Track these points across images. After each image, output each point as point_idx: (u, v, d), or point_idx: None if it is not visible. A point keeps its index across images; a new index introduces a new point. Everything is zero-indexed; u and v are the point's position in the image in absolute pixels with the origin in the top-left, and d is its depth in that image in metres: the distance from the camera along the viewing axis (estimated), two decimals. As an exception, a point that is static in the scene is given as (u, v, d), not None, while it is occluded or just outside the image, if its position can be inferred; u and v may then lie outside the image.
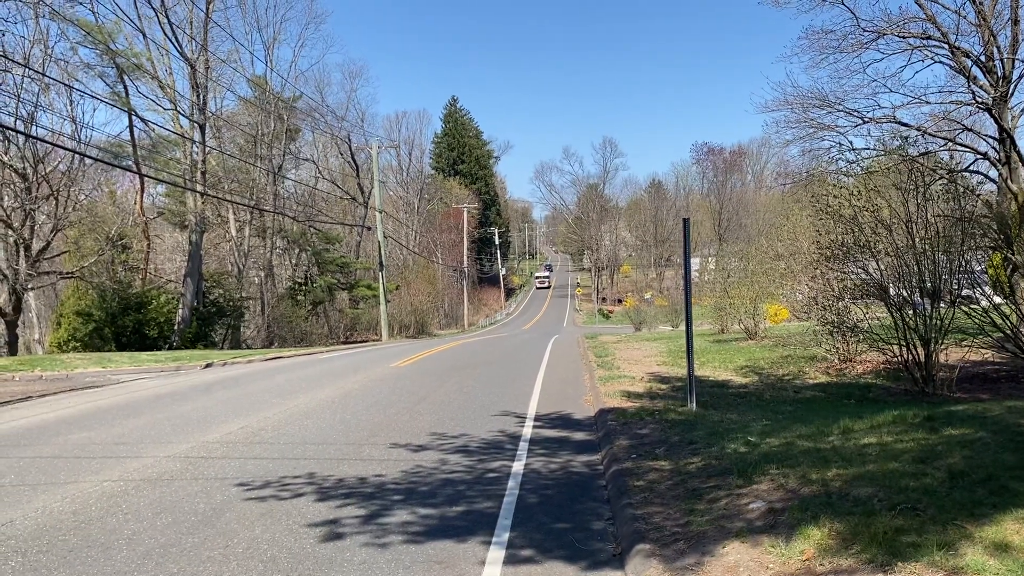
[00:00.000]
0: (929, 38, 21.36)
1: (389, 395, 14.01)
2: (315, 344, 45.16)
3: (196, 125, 37.07)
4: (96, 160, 33.97)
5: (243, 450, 9.13)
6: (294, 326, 47.49)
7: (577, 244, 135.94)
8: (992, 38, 20.50)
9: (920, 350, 11.76)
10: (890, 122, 22.22)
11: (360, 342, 49.98)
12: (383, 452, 8.92)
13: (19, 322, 34.27)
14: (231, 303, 40.44)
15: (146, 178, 37.54)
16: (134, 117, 35.57)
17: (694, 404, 10.84)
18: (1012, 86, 20.52)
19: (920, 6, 21.12)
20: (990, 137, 22.15)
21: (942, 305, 11.71)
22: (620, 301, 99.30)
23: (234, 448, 9.25)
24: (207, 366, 21.97)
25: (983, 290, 12.40)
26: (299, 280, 56.54)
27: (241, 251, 47.39)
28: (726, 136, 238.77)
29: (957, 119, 22.45)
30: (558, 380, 16.25)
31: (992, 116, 20.95)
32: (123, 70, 34.15)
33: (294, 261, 58.28)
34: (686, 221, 11.54)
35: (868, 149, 21.61)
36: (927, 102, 22.15)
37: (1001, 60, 20.52)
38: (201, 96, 37.10)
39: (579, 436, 9.98)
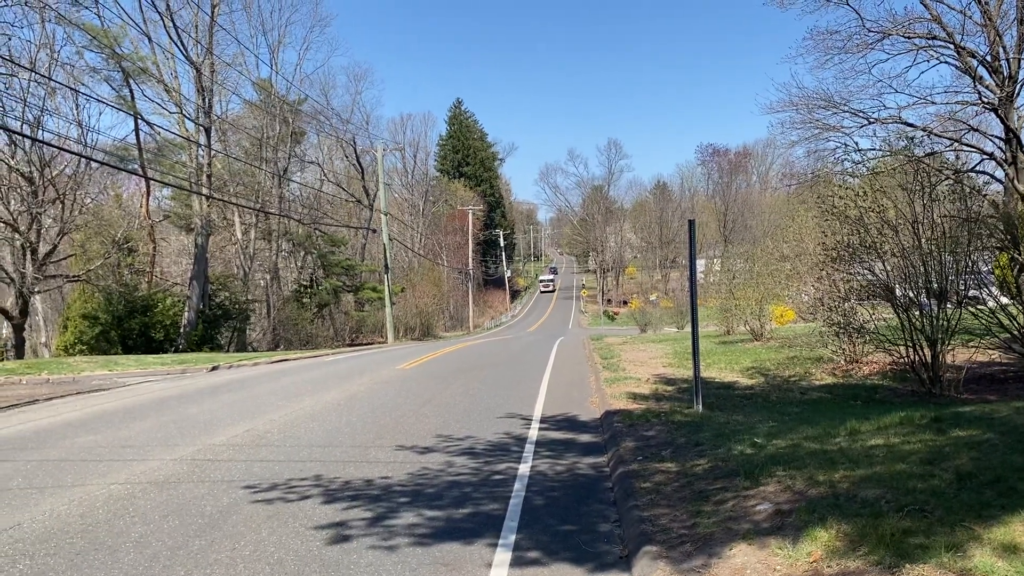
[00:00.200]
0: (934, 38, 21.33)
1: (395, 397, 14.02)
2: (321, 346, 45.21)
3: (202, 128, 37.18)
4: (102, 164, 34.04)
5: (249, 453, 9.14)
6: (300, 328, 47.56)
7: (582, 246, 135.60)
8: (998, 38, 20.44)
9: (927, 351, 11.72)
10: (896, 122, 22.20)
11: (366, 344, 50.04)
12: (389, 454, 8.92)
13: (26, 325, 34.42)
14: (237, 306, 40.53)
15: (152, 181, 37.71)
16: (140, 121, 35.80)
17: (700, 406, 10.82)
18: (1018, 86, 20.45)
19: (925, 6, 21.10)
20: (996, 137, 22.10)
21: (949, 306, 11.67)
22: (625, 303, 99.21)
23: (240, 451, 9.26)
24: (213, 369, 22.01)
25: (990, 291, 12.34)
26: (305, 283, 56.61)
27: (247, 254, 47.49)
28: (731, 137, 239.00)
29: (963, 119, 22.42)
30: (564, 382, 16.24)
31: (998, 116, 20.91)
32: (129, 74, 34.30)
33: (299, 264, 58.39)
34: (691, 223, 11.51)
35: (874, 150, 21.58)
36: (933, 102, 22.13)
37: (1007, 60, 20.46)
38: (206, 99, 37.21)
39: (585, 438, 9.96)
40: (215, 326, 37.38)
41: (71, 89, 31.60)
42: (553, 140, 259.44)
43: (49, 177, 32.64)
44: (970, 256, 11.85)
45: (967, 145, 22.62)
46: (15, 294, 32.22)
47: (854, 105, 22.48)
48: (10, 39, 29.71)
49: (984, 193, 15.22)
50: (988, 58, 20.69)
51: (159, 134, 38.00)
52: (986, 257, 12.64)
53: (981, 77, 20.84)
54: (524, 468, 8.11)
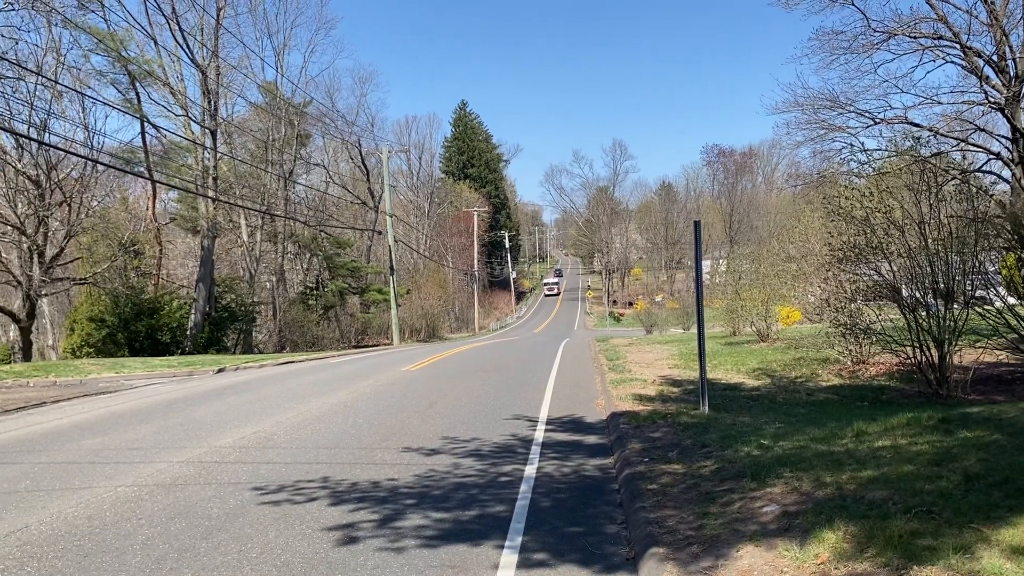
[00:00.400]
0: (940, 38, 21.28)
1: (401, 399, 14.03)
2: (327, 348, 45.28)
3: (207, 131, 37.29)
4: (108, 166, 34.20)
5: (256, 455, 9.16)
6: (306, 331, 47.64)
7: (587, 247, 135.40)
8: (1004, 37, 20.39)
9: (934, 352, 11.67)
10: (902, 123, 22.17)
11: (371, 346, 50.09)
12: (396, 456, 8.93)
13: (33, 328, 34.54)
14: (243, 308, 40.61)
15: (158, 184, 37.84)
16: (146, 123, 35.89)
17: (706, 407, 10.81)
18: (1024, 85, 20.39)
19: (931, 6, 21.05)
20: (1003, 137, 22.04)
21: (955, 306, 11.63)
22: (631, 304, 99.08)
23: (247, 452, 9.28)
24: (220, 371, 22.06)
25: (997, 291, 12.30)
26: (310, 285, 56.71)
27: (253, 256, 47.60)
28: (737, 138, 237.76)
29: (969, 119, 22.36)
30: (569, 383, 16.24)
31: (1005, 116, 20.85)
32: (135, 77, 34.41)
33: (305, 266, 58.48)
34: (697, 224, 11.50)
35: (880, 150, 21.57)
36: (939, 102, 22.08)
37: (1014, 59, 20.41)
38: (212, 102, 37.34)
39: (591, 439, 9.96)
40: (221, 328, 37.47)
41: (77, 92, 31.76)
42: (558, 142, 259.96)
43: (56, 180, 32.77)
44: (977, 256, 11.81)
45: (973, 145, 22.57)
46: (22, 297, 32.37)
47: (860, 105, 22.46)
48: (17, 43, 29.75)
49: (991, 193, 15.15)
50: (994, 58, 20.64)
51: (165, 137, 38.16)
52: (993, 257, 12.60)
53: (987, 77, 20.78)
54: (530, 470, 8.11)
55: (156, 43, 35.09)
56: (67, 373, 20.49)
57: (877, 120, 22.23)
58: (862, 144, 22.95)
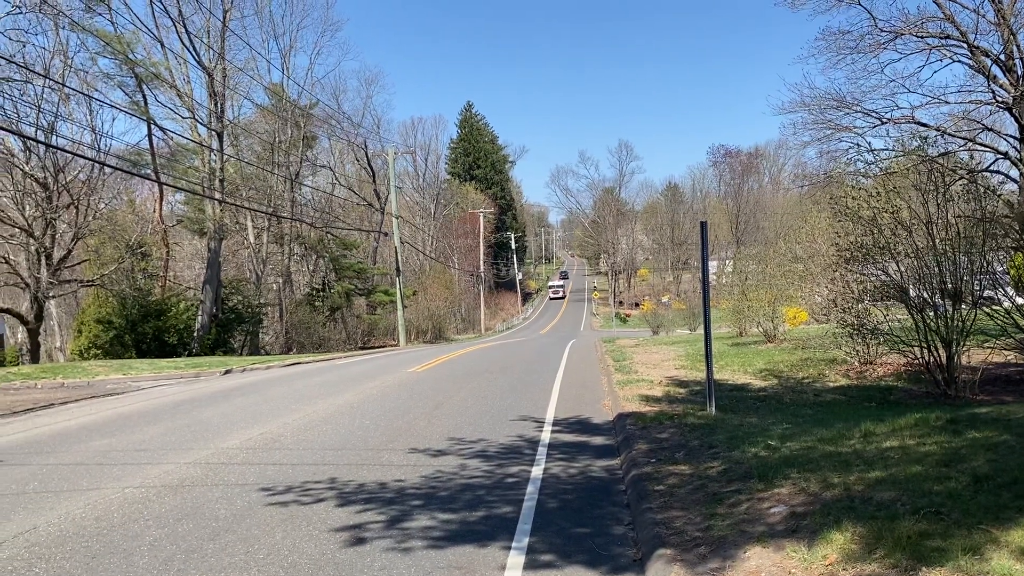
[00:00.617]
0: (948, 37, 21.21)
1: (407, 400, 14.04)
2: (333, 350, 45.35)
3: (214, 133, 37.39)
4: (116, 169, 34.33)
5: (263, 456, 9.17)
6: (312, 332, 47.74)
7: (593, 248, 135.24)
8: (1012, 36, 20.31)
9: (941, 352, 11.63)
10: (909, 122, 22.10)
11: (378, 348, 50.15)
12: (402, 457, 8.93)
13: (41, 330, 34.69)
14: (250, 309, 40.70)
15: (165, 186, 37.91)
16: (153, 126, 36.00)
17: (713, 408, 10.79)
18: (1032, 85, 20.31)
19: (939, 5, 20.99)
20: (1011, 136, 21.95)
21: (963, 306, 11.59)
22: (637, 305, 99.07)
23: (254, 454, 9.30)
24: (226, 372, 22.10)
25: (1005, 291, 12.25)
26: (317, 286, 56.82)
27: (259, 258, 47.70)
28: (743, 138, 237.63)
29: (977, 119, 22.29)
30: (576, 384, 16.22)
31: (1012, 115, 20.77)
32: (142, 79, 34.52)
33: (312, 267, 58.61)
34: (703, 224, 11.48)
35: (887, 150, 21.51)
36: (946, 102, 22.01)
37: (1021, 59, 20.34)
38: (219, 104, 37.43)
39: (598, 440, 9.95)
40: (228, 330, 37.56)
41: (85, 95, 31.93)
42: (564, 143, 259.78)
43: (63, 182, 32.94)
44: (985, 256, 11.76)
45: (981, 144, 22.50)
46: (30, 299, 32.51)
47: (866, 105, 22.41)
48: (24, 46, 29.95)
49: (999, 193, 15.10)
50: (1002, 57, 20.56)
51: (172, 139, 38.33)
52: (1001, 257, 12.54)
53: (995, 76, 20.71)
54: (537, 471, 8.10)
55: (163, 46, 35.28)
56: (75, 375, 20.56)
57: (884, 120, 22.17)
58: (869, 144, 22.90)
